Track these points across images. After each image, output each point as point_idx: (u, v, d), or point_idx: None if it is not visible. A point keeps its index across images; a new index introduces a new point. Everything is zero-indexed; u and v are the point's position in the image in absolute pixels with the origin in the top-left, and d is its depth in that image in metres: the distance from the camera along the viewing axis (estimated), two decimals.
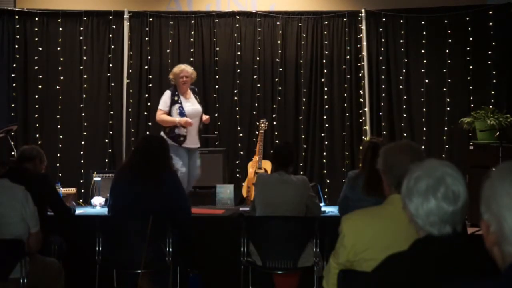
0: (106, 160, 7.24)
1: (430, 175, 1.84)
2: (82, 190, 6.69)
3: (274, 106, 7.33)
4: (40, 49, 7.34)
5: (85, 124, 7.29)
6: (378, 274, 1.91)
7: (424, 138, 7.15)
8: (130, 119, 7.30)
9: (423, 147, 6.67)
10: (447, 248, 1.83)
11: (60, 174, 7.08)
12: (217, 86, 7.37)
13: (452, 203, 1.82)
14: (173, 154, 5.98)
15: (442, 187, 1.82)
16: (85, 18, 7.37)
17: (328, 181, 7.23)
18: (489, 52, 7.08)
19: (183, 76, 5.98)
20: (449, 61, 7.17)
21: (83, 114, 7.31)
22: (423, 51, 7.23)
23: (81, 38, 7.37)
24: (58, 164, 7.17)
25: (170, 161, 4.63)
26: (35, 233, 3.76)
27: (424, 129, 7.20)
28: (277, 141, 7.18)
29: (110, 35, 7.39)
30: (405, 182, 1.90)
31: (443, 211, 1.82)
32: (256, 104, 7.35)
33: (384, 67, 7.29)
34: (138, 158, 4.36)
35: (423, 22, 7.24)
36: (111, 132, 7.35)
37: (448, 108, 7.15)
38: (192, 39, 7.38)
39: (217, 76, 7.38)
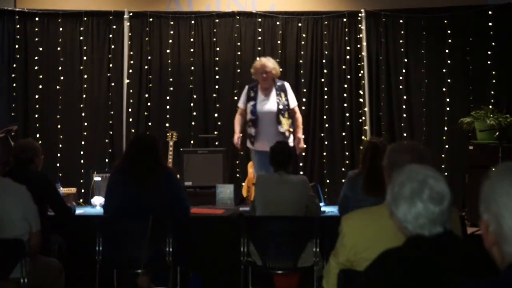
0: (106, 160, 7.24)
1: (413, 179, 1.88)
2: (82, 190, 6.69)
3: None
4: (40, 49, 7.35)
5: (85, 124, 7.30)
6: (372, 272, 1.93)
7: (424, 138, 7.15)
8: (130, 119, 7.30)
9: (422, 147, 6.66)
10: (439, 246, 1.85)
11: (60, 174, 7.08)
12: (217, 86, 7.37)
13: (438, 203, 1.86)
14: (252, 157, 6.00)
15: (426, 189, 1.86)
16: (85, 18, 7.37)
17: (328, 181, 7.23)
18: (489, 52, 7.08)
19: (263, 72, 5.76)
20: (449, 61, 7.17)
21: (83, 114, 7.31)
22: (423, 51, 7.23)
23: (81, 38, 7.37)
24: (58, 164, 7.18)
25: (163, 159, 4.59)
26: (36, 233, 3.77)
27: (424, 129, 7.21)
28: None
29: (110, 35, 7.39)
30: (389, 190, 1.93)
31: (430, 212, 1.85)
32: None
33: (384, 67, 7.29)
34: (129, 158, 4.35)
35: (423, 22, 7.24)
36: (111, 132, 7.35)
37: (448, 108, 7.15)
38: (192, 39, 7.38)
39: (217, 76, 7.38)
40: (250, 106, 5.87)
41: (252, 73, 6.01)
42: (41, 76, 7.32)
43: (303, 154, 7.28)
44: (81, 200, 6.44)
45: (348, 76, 7.30)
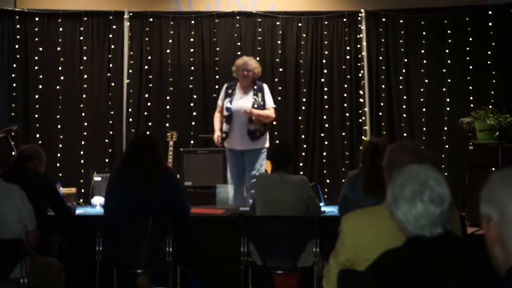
0: (106, 160, 7.25)
1: (413, 181, 1.88)
2: (82, 190, 6.70)
3: (274, 106, 7.32)
4: (40, 49, 7.35)
5: (85, 124, 7.30)
6: (372, 272, 1.93)
7: (424, 138, 7.15)
8: (130, 119, 7.31)
9: (422, 147, 6.67)
10: (440, 246, 1.85)
11: (60, 174, 7.08)
12: (217, 86, 7.36)
13: (439, 204, 1.86)
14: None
15: (427, 190, 1.86)
16: (85, 18, 7.37)
17: (328, 181, 7.23)
18: (489, 52, 7.08)
19: (245, 70, 5.75)
20: (449, 61, 7.17)
21: (83, 114, 7.31)
22: (423, 51, 7.24)
23: (81, 38, 7.37)
24: (58, 164, 7.17)
25: (163, 159, 4.61)
26: (32, 231, 3.77)
27: (424, 129, 7.21)
28: (277, 141, 7.19)
29: (110, 35, 7.39)
30: (389, 190, 1.93)
31: (431, 213, 1.86)
32: None
33: (384, 67, 7.29)
34: (129, 158, 4.36)
35: (423, 22, 7.24)
36: (111, 132, 7.35)
37: (448, 108, 7.15)
38: (192, 39, 7.39)
39: (217, 76, 7.38)
40: (226, 103, 5.83)
41: (233, 70, 5.95)
42: (41, 76, 7.33)
43: (303, 154, 7.29)
44: (81, 200, 6.44)
45: (348, 76, 7.30)
